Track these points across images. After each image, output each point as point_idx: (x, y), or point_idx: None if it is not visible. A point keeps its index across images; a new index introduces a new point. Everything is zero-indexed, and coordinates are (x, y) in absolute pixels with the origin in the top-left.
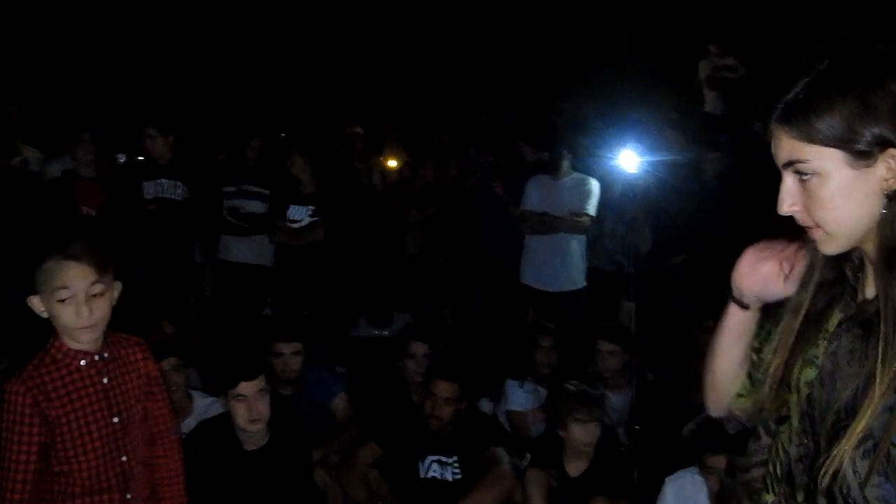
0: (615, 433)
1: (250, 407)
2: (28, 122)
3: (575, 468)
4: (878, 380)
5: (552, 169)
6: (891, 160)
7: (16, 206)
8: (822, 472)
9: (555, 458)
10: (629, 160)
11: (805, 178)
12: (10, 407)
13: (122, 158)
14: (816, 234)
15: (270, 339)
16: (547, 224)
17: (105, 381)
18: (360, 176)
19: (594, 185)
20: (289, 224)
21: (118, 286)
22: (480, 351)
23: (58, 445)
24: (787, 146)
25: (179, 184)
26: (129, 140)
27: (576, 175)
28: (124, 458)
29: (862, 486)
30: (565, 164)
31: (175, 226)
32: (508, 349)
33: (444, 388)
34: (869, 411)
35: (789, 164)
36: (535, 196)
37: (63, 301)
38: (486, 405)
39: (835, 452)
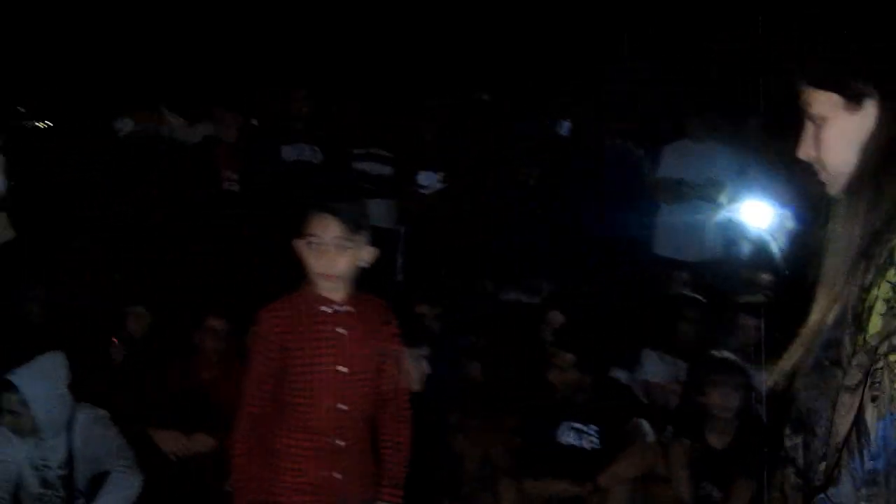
0: (758, 409)
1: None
2: (169, 89)
3: (718, 440)
4: None
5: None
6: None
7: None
8: None
9: (697, 430)
10: None
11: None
12: (259, 327)
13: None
14: (824, 177)
15: (410, 300)
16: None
17: (339, 330)
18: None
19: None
20: (418, 189)
21: (370, 250)
22: (616, 320)
23: (289, 376)
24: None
25: (317, 148)
26: (267, 103)
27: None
28: (344, 407)
29: None
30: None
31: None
32: (648, 319)
33: (562, 357)
34: None
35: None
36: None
37: (311, 247)
38: (620, 375)
39: None
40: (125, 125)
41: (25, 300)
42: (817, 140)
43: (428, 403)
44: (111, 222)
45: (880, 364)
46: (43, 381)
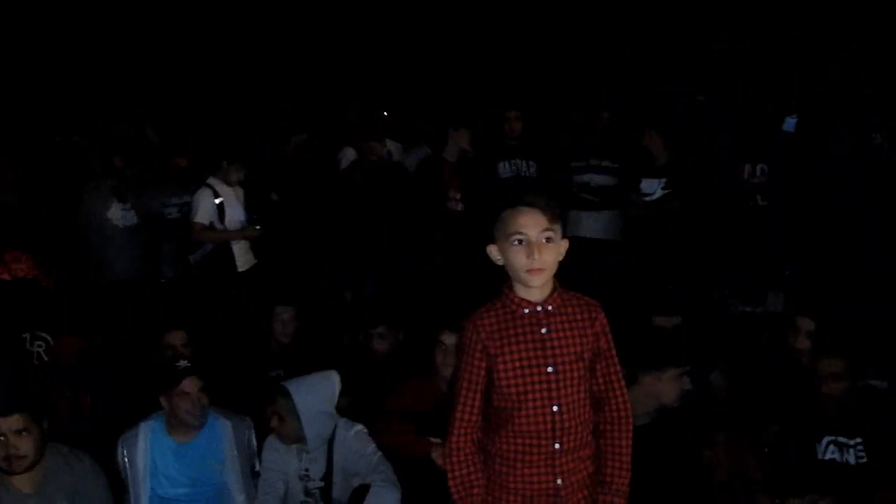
0: None
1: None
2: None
3: None
4: None
5: None
6: None
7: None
8: None
9: None
10: None
11: None
12: (465, 337)
13: None
14: None
15: (649, 311)
16: None
17: (543, 331)
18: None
19: None
20: (642, 197)
21: (565, 244)
22: (867, 326)
23: (496, 382)
24: None
25: (532, 162)
26: (485, 125)
27: None
28: (555, 409)
29: None
30: None
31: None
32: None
33: (830, 365)
34: None
35: None
36: None
37: (516, 245)
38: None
39: None
40: (347, 154)
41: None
42: None
43: (680, 416)
44: (348, 247)
45: None
46: (315, 396)
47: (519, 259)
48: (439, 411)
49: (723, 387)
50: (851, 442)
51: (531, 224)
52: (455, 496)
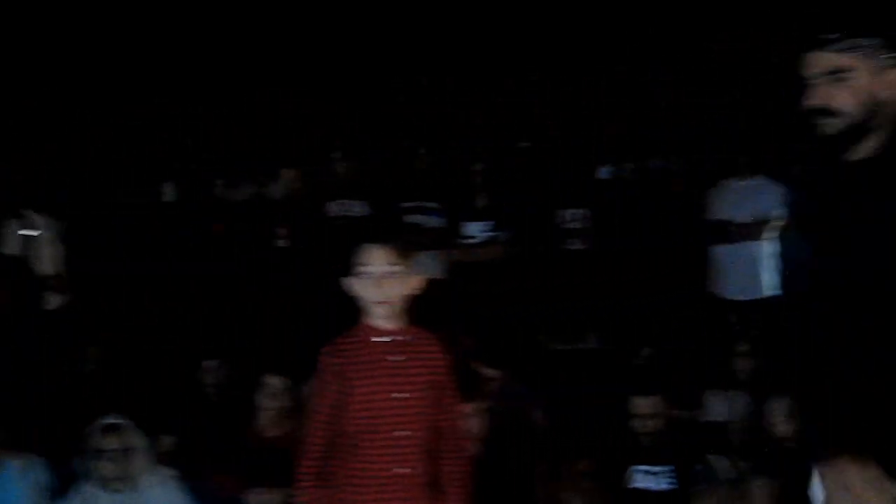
0: None
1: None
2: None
3: None
4: None
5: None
6: None
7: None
8: None
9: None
10: None
11: None
12: (320, 367)
13: None
14: None
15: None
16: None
17: (395, 359)
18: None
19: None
20: (465, 240)
21: (420, 278)
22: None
23: (351, 407)
24: None
25: (363, 202)
26: (313, 163)
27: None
28: (402, 433)
29: None
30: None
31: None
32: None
33: (642, 405)
34: None
35: None
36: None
37: (365, 278)
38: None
39: None
40: (169, 189)
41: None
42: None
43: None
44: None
45: None
46: (139, 432)
47: (367, 291)
48: (262, 456)
49: (543, 422)
50: (660, 470)
51: (378, 258)
52: None
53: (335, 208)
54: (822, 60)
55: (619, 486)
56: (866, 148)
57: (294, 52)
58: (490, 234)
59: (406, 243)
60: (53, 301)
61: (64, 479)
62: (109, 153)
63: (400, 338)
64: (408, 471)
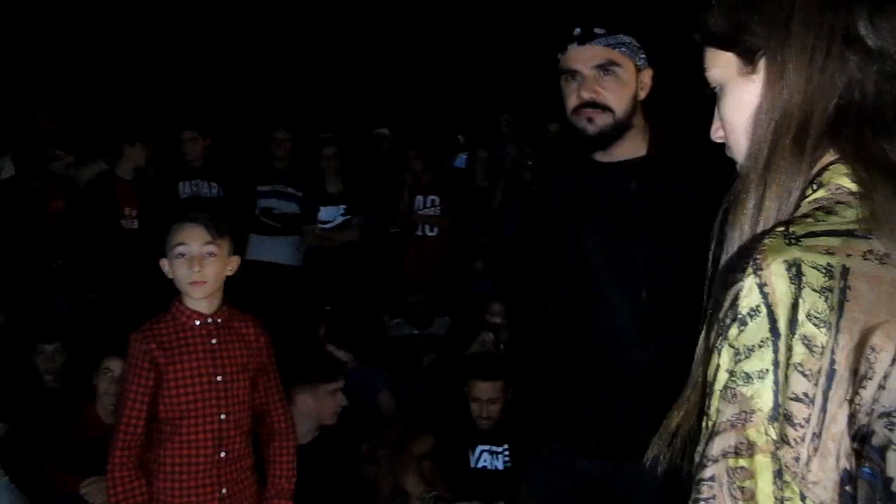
0: None
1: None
2: (62, 128)
3: None
4: None
5: None
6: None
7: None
8: None
9: None
10: None
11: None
12: (130, 352)
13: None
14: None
15: (323, 342)
16: None
17: (213, 341)
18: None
19: None
20: (320, 225)
21: (235, 259)
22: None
23: (164, 392)
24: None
25: (214, 184)
26: (164, 143)
27: None
28: (223, 417)
29: None
30: None
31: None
32: None
33: (484, 389)
34: None
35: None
36: None
37: (180, 258)
38: None
39: None
40: (5, 165)
41: None
42: (721, 118)
43: (341, 434)
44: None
45: (710, 471)
46: None
47: (181, 271)
48: (99, 444)
49: (389, 405)
50: (499, 449)
51: (194, 238)
52: None
53: (185, 188)
54: (592, 53)
55: (460, 467)
56: (624, 149)
57: (148, 27)
58: (344, 218)
59: (220, 223)
60: None
61: None
62: None
63: (220, 320)
64: (231, 454)
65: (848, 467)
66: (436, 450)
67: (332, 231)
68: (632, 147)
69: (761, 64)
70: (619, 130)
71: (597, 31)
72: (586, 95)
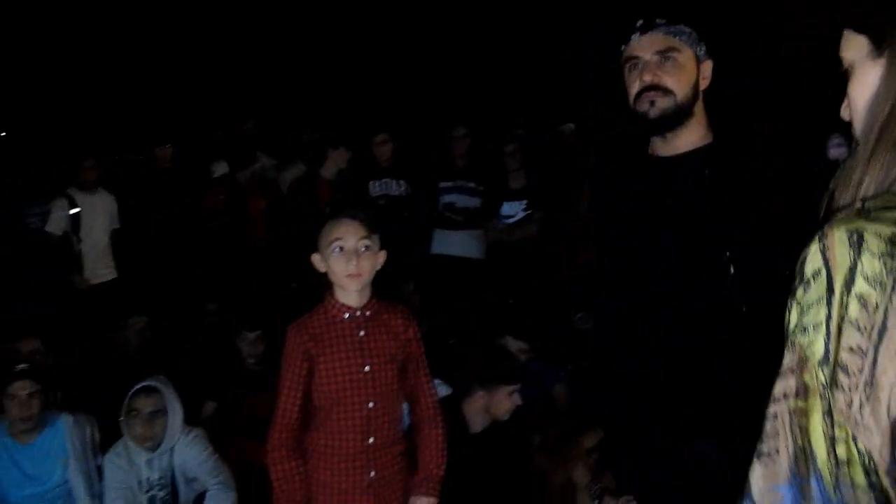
0: None
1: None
2: (264, 134)
3: None
4: None
5: None
6: None
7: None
8: None
9: None
10: None
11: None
12: (287, 344)
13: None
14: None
15: (501, 332)
16: None
17: (361, 333)
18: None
19: None
20: (502, 220)
21: (383, 254)
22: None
23: (317, 381)
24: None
25: (402, 182)
26: (359, 145)
27: None
28: (371, 405)
29: None
30: None
31: (399, 219)
32: None
33: None
34: None
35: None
36: None
37: (337, 252)
38: None
39: None
40: (219, 167)
41: (130, 328)
42: (849, 97)
43: (513, 424)
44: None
45: (774, 409)
46: (173, 392)
47: (338, 265)
48: None
49: (564, 397)
50: None
51: (350, 233)
52: (277, 491)
53: (375, 187)
54: (653, 40)
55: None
56: (686, 139)
57: (325, 39)
58: (525, 213)
59: (373, 218)
60: (99, 275)
61: (110, 435)
62: None
63: (368, 312)
64: (379, 440)
65: None
66: (604, 443)
67: (514, 226)
68: (695, 137)
69: (888, 51)
70: (679, 115)
71: (658, 21)
72: (647, 79)
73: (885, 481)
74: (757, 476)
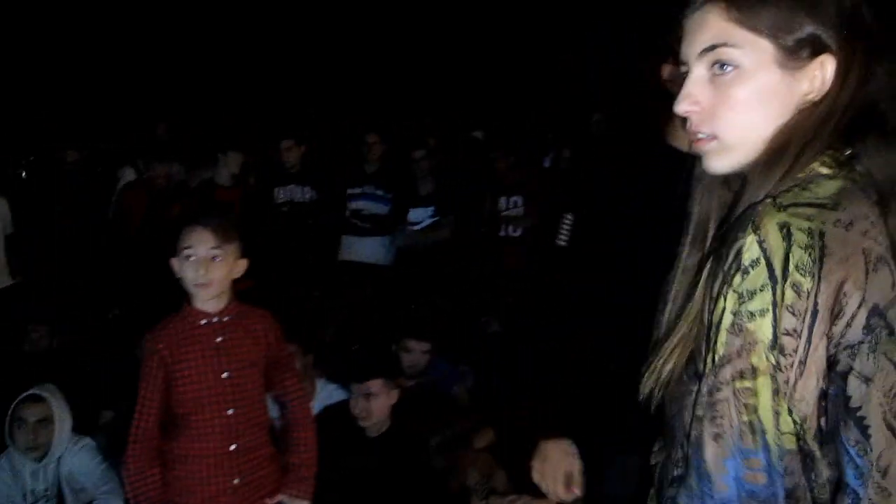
0: None
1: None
2: (173, 138)
3: None
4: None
5: None
6: (819, 70)
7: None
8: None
9: None
10: None
11: (723, 70)
12: (146, 353)
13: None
14: (707, 146)
15: (402, 334)
16: None
17: (218, 339)
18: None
19: None
20: (410, 226)
21: (242, 262)
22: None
23: (177, 389)
24: (716, 27)
25: (308, 188)
26: (261, 150)
27: None
28: (230, 412)
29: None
30: None
31: (304, 226)
32: None
33: None
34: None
35: (711, 48)
36: None
37: (187, 260)
38: None
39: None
40: (125, 173)
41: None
42: (721, 95)
43: (411, 426)
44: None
45: (723, 393)
46: (61, 401)
47: (188, 273)
48: None
49: (464, 398)
50: None
51: (200, 241)
52: (134, 501)
53: (282, 194)
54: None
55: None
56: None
57: (240, 38)
58: (433, 219)
59: (227, 227)
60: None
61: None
62: None
63: (226, 318)
64: (243, 446)
65: (824, 387)
66: (498, 443)
67: (423, 231)
68: None
69: (818, 62)
70: None
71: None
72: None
73: (813, 445)
74: (710, 455)
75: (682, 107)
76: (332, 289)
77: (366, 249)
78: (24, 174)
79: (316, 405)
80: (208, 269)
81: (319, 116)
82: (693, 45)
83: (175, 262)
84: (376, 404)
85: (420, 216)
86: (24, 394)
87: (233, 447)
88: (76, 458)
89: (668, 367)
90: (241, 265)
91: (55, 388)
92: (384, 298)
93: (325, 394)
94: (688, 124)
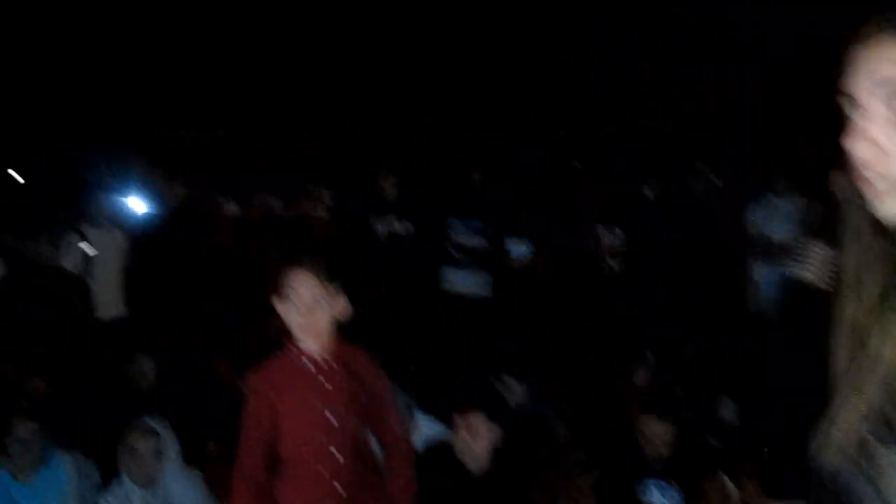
0: None
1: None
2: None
3: None
4: None
5: None
6: None
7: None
8: None
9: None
10: None
11: None
12: (249, 393)
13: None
14: (878, 187)
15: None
16: None
17: (322, 379)
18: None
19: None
20: (511, 258)
21: (343, 302)
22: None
23: (281, 432)
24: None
25: (407, 221)
26: (363, 182)
27: None
28: (336, 454)
29: None
30: None
31: (402, 257)
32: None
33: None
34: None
35: (889, 82)
36: None
37: (291, 301)
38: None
39: None
40: (233, 209)
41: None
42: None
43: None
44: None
45: None
46: (169, 432)
47: (293, 317)
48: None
49: (565, 437)
50: (670, 486)
51: (304, 283)
52: None
53: (380, 226)
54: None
55: (628, 500)
56: None
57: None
58: (532, 252)
59: (330, 270)
60: (107, 312)
61: (108, 474)
62: None
63: (328, 361)
64: (348, 489)
65: None
66: (602, 481)
67: (522, 264)
68: None
69: None
70: None
71: None
72: None
73: None
74: None
75: (858, 148)
76: (431, 320)
77: (465, 281)
78: None
79: (417, 440)
80: (313, 312)
81: (416, 149)
82: (867, 79)
83: (277, 303)
84: (478, 441)
85: (520, 250)
86: (136, 424)
87: (339, 489)
88: (183, 488)
89: (854, 425)
90: (344, 306)
91: (164, 420)
92: (483, 330)
93: (425, 426)
94: (855, 163)
